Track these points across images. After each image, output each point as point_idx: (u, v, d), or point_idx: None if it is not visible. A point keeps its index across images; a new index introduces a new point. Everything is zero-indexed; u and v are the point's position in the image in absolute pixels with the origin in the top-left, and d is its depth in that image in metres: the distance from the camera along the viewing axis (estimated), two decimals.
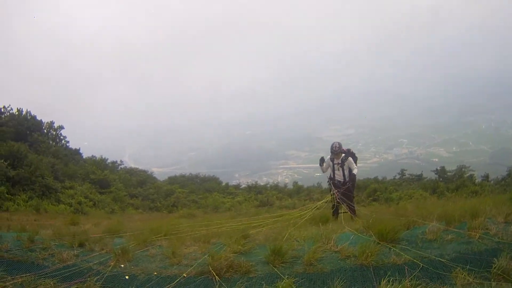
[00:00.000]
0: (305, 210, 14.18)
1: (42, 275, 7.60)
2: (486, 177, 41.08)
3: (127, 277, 7.57)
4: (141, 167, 78.15)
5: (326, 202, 14.62)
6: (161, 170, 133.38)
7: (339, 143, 14.54)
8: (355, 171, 14.56)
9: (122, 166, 57.90)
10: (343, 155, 14.56)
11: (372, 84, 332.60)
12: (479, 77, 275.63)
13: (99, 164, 48.50)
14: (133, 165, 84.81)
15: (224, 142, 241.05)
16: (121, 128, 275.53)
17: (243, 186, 59.26)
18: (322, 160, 15.10)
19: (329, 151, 14.71)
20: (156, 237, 10.27)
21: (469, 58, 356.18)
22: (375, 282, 6.44)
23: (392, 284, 6.09)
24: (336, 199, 14.04)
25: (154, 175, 62.29)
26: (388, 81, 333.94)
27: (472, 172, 44.12)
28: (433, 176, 46.94)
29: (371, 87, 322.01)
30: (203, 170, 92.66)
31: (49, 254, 9.23)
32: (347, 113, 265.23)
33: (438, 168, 47.89)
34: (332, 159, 14.68)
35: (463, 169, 45.12)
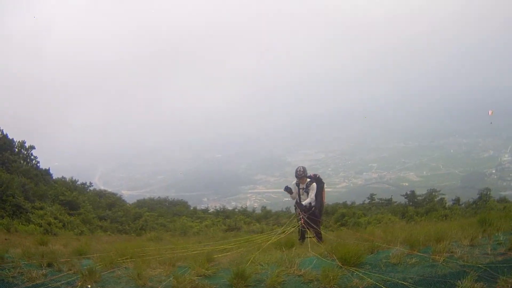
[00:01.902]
0: (271, 235, 14.26)
1: None
2: (456, 201, 41.67)
3: None
4: (110, 189, 77.96)
5: (293, 227, 14.73)
6: (130, 193, 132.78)
7: (303, 167, 14.64)
8: (307, 201, 14.48)
9: (91, 188, 57.68)
10: (308, 180, 14.64)
11: (343, 105, 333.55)
12: (452, 99, 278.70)
13: (69, 185, 48.21)
14: (102, 187, 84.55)
15: (194, 165, 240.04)
16: (91, 148, 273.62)
17: (211, 210, 59.53)
18: (288, 189, 15.12)
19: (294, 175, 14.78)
20: (122, 259, 10.27)
21: (442, 80, 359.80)
22: None
23: None
24: (302, 224, 14.06)
25: (123, 198, 62.06)
26: (358, 103, 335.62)
27: (442, 196, 44.64)
28: (403, 200, 47.40)
29: (342, 109, 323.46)
30: (172, 194, 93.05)
31: (18, 272, 9.26)
32: (317, 136, 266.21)
33: (408, 192, 48.40)
34: (297, 184, 14.77)
35: (433, 193, 45.56)
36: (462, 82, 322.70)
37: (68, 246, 15.70)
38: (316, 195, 14.58)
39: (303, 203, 14.46)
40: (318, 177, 15.13)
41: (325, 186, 15.37)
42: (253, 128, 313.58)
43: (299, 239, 14.10)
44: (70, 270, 9.43)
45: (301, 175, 14.46)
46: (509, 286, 6.62)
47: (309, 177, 14.75)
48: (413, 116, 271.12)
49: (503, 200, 42.00)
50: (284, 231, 14.43)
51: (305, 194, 14.62)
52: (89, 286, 8.21)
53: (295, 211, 15.07)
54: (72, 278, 8.74)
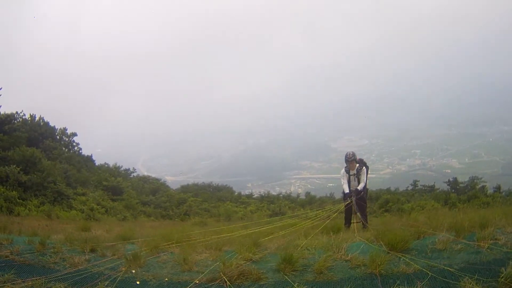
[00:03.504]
0: (317, 218, 14.29)
1: (52, 278, 7.70)
2: (498, 188, 40.83)
3: (138, 282, 7.64)
4: (154, 175, 78.26)
5: (345, 206, 14.67)
6: (174, 179, 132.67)
7: (352, 152, 14.78)
8: (361, 186, 14.67)
9: (135, 174, 58.19)
10: (358, 165, 14.76)
11: (386, 90, 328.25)
12: (493, 85, 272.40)
13: (112, 171, 48.61)
14: (146, 173, 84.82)
15: (238, 150, 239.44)
16: (135, 136, 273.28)
17: (256, 195, 59.56)
18: (347, 195, 14.86)
19: (344, 160, 14.87)
20: (167, 244, 10.30)
21: (484, 65, 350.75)
22: None
23: None
24: (353, 204, 14.13)
25: (167, 184, 62.26)
26: (402, 88, 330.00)
27: (484, 183, 43.89)
28: (445, 187, 46.74)
29: (385, 93, 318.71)
30: (216, 179, 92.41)
31: (60, 258, 9.33)
32: (361, 122, 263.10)
33: (451, 179, 47.69)
34: (347, 171, 14.84)
35: (475, 180, 44.86)
36: (505, 67, 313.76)
37: (111, 232, 15.79)
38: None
39: (359, 187, 14.60)
40: (364, 162, 15.28)
41: (368, 171, 15.41)
42: (297, 113, 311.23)
43: (344, 225, 14.08)
44: (114, 255, 9.52)
45: (351, 158, 14.60)
46: None
47: (357, 162, 14.87)
48: (456, 104, 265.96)
49: None
50: (329, 214, 14.42)
51: (356, 180, 14.72)
52: (134, 271, 8.28)
53: (344, 198, 15.03)
54: (116, 263, 8.83)
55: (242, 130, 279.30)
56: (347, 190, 14.79)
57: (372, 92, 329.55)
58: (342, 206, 14.89)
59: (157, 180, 60.92)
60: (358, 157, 15.17)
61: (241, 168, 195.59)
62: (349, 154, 14.70)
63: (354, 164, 14.73)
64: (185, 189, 60.62)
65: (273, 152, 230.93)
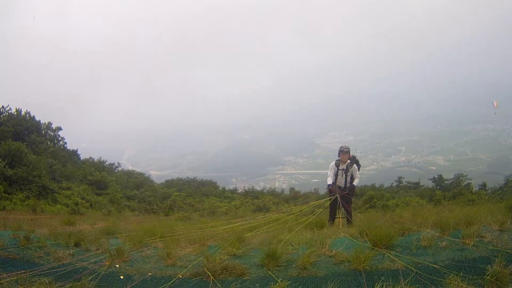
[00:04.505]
0: (304, 207, 14.35)
1: (37, 273, 7.64)
2: (483, 186, 41.03)
3: (121, 277, 7.60)
4: (138, 169, 78.39)
5: (330, 201, 14.62)
6: (159, 174, 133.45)
7: (347, 146, 14.75)
8: (356, 182, 14.74)
9: (119, 168, 58.07)
10: (349, 161, 14.71)
11: (372, 88, 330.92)
12: (479, 84, 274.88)
13: (97, 165, 48.61)
14: (130, 168, 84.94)
15: (222, 146, 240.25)
16: (120, 131, 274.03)
17: (240, 190, 60.00)
18: (331, 186, 14.83)
19: (337, 153, 14.82)
20: (151, 239, 10.31)
21: (471, 65, 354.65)
22: (367, 287, 6.53)
23: None
24: (338, 199, 14.13)
25: (151, 178, 62.70)
26: (388, 86, 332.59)
27: (469, 181, 44.12)
28: (430, 184, 46.99)
29: (372, 91, 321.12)
30: (201, 174, 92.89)
31: (44, 252, 9.30)
32: (347, 119, 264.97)
33: (436, 176, 47.92)
34: (337, 164, 14.76)
35: (460, 178, 45.11)
36: (491, 67, 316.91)
37: (96, 226, 15.81)
38: (351, 178, 14.74)
39: (354, 183, 14.66)
40: (357, 159, 15.48)
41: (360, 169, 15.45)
42: (282, 110, 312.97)
43: (329, 220, 14.12)
44: (98, 249, 9.51)
45: (346, 149, 14.58)
46: None
47: (349, 158, 14.87)
48: (442, 102, 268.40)
49: None
50: (313, 210, 14.46)
51: (343, 175, 14.63)
52: (117, 265, 8.25)
53: (329, 191, 14.98)
54: (100, 258, 8.81)
55: (228, 127, 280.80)
56: (330, 182, 14.75)
57: (360, 90, 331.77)
58: (326, 201, 14.89)
59: (141, 174, 61.34)
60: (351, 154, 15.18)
61: (226, 163, 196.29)
62: (345, 146, 14.69)
63: (346, 158, 14.67)
64: (170, 183, 61.01)
65: (258, 148, 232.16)
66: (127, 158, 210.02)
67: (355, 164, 14.79)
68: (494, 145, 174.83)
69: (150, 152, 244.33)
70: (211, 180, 69.08)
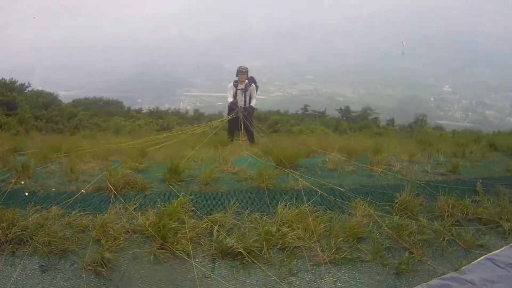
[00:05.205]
0: (204, 127, 14.29)
1: None
2: (391, 122, 42.40)
3: (26, 193, 7.34)
4: (48, 89, 76.73)
5: (228, 119, 14.68)
6: (67, 93, 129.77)
7: (246, 67, 14.61)
8: (253, 102, 14.84)
9: (30, 88, 56.97)
10: (247, 81, 14.67)
11: (290, 16, 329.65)
12: (401, 22, 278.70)
13: (8, 86, 47.42)
14: (40, 88, 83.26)
15: (132, 66, 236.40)
16: (32, 48, 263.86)
17: (145, 111, 59.93)
18: (232, 104, 14.72)
19: (235, 74, 14.71)
20: (56, 155, 9.96)
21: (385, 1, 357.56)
22: (270, 205, 6.59)
23: (289, 208, 6.24)
24: (239, 118, 14.13)
25: (59, 98, 61.64)
26: (306, 16, 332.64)
27: (377, 115, 45.45)
28: (337, 114, 48.18)
29: (290, 21, 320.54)
30: (109, 94, 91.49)
31: None
32: (259, 45, 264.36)
33: (343, 107, 49.10)
34: (235, 85, 14.71)
35: (368, 111, 46.46)
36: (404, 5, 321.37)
37: (3, 146, 15.43)
38: (250, 99, 14.82)
39: (251, 104, 14.71)
40: (254, 79, 15.15)
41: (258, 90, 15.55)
42: (196, 34, 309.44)
43: (228, 137, 14.10)
44: (5, 167, 9.09)
45: (244, 69, 14.49)
46: (449, 206, 6.79)
47: (248, 78, 14.80)
48: (355, 37, 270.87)
49: (439, 128, 42.96)
50: (218, 125, 14.47)
51: (242, 95, 14.63)
52: (23, 182, 7.99)
53: (230, 111, 14.91)
54: (6, 175, 8.42)
55: (140, 47, 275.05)
56: (231, 99, 14.75)
57: (278, 20, 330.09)
58: (227, 117, 14.92)
59: (50, 94, 60.09)
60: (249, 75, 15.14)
61: (132, 83, 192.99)
62: (244, 66, 14.53)
63: (244, 78, 14.60)
64: (77, 103, 60.29)
65: (165, 68, 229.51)
66: (38, 77, 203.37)
67: (253, 84, 14.86)
68: (406, 83, 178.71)
69: (60, 71, 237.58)
70: (117, 99, 69.36)
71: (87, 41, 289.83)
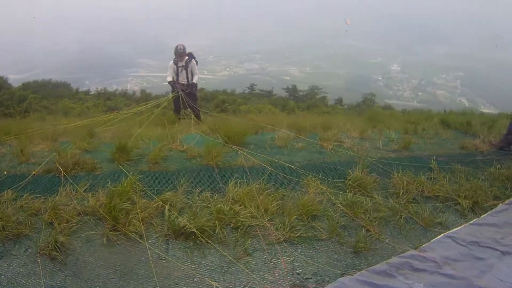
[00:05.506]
0: (149, 105, 14.25)
1: None
2: (339, 101, 42.79)
3: None
4: None
5: (171, 98, 14.76)
6: (17, 77, 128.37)
7: (183, 45, 14.74)
8: (195, 78, 14.82)
9: None
10: (187, 57, 14.68)
11: None
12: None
13: None
14: None
15: (80, 47, 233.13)
16: None
17: (93, 92, 59.72)
18: (172, 83, 14.78)
19: (174, 54, 14.73)
20: (6, 138, 9.73)
21: None
22: (220, 183, 6.57)
23: (240, 186, 6.25)
24: (180, 98, 14.09)
25: (9, 82, 61.45)
26: None
27: (325, 95, 45.80)
28: (284, 94, 48.31)
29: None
30: (58, 76, 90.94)
31: None
32: (204, 23, 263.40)
33: (289, 86, 49.25)
34: (176, 63, 14.68)
35: (315, 90, 46.79)
36: None
37: None
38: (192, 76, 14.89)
39: (194, 80, 14.64)
40: (194, 55, 15.12)
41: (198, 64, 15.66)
42: (140, 11, 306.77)
43: (174, 113, 14.40)
44: None
45: (182, 50, 14.59)
46: (404, 183, 6.86)
47: (187, 55, 14.84)
48: (302, 10, 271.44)
49: (388, 107, 43.49)
50: (161, 104, 14.42)
51: (184, 71, 14.66)
52: None
53: (172, 89, 14.95)
54: None
55: (87, 27, 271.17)
56: (169, 79, 14.93)
57: None
58: (171, 96, 14.88)
59: (0, 78, 59.98)
60: (187, 51, 15.10)
61: (82, 65, 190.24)
62: (180, 48, 14.58)
63: (184, 57, 14.62)
64: (26, 86, 59.63)
65: (113, 49, 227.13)
66: None
67: (193, 60, 14.84)
68: (353, 62, 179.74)
69: (10, 54, 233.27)
70: (65, 81, 68.87)
71: (32, 21, 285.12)
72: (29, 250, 5.01)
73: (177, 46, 14.62)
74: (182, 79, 14.58)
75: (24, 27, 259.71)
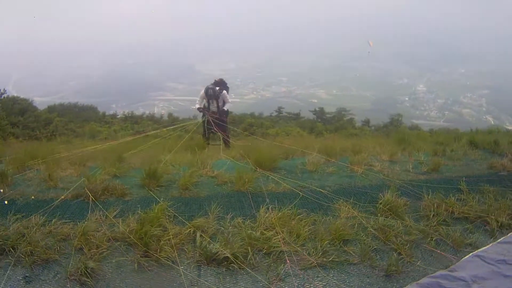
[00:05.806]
0: (179, 128, 14.32)
1: None
2: (366, 122, 42.50)
3: (6, 202, 7.25)
4: (23, 95, 76.73)
5: (201, 122, 14.77)
6: (42, 99, 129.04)
7: (212, 89, 14.41)
8: (227, 106, 14.78)
9: (5, 95, 56.93)
10: (218, 88, 14.54)
11: (259, 15, 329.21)
12: (372, 22, 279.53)
13: None
14: (15, 94, 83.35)
15: (106, 70, 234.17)
16: (7, 55, 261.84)
17: (120, 116, 59.55)
18: (201, 110, 14.86)
19: (205, 90, 14.51)
20: (33, 162, 9.83)
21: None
22: (253, 208, 6.57)
23: (272, 212, 6.23)
24: (210, 126, 14.04)
25: (35, 104, 61.62)
26: (275, 15, 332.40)
27: (352, 116, 45.66)
28: (311, 116, 48.18)
29: (258, 20, 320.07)
30: (83, 99, 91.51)
31: None
32: (231, 46, 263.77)
33: (317, 108, 49.16)
34: (206, 92, 14.53)
35: (342, 112, 46.72)
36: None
37: None
38: (223, 103, 14.80)
39: (225, 108, 14.64)
40: (224, 81, 15.24)
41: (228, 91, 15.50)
42: (167, 36, 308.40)
43: (203, 138, 14.27)
44: None
45: (212, 96, 14.41)
46: (434, 205, 6.81)
47: (217, 84, 14.81)
48: (328, 34, 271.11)
49: (415, 127, 42.90)
50: (192, 125, 14.45)
51: (214, 101, 14.59)
52: (1, 190, 7.87)
53: (202, 117, 14.93)
54: None
55: (112, 50, 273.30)
56: (199, 105, 14.85)
57: (245, 19, 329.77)
58: (201, 121, 14.96)
59: (25, 100, 60.12)
60: (218, 77, 15.32)
61: (107, 88, 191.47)
62: (210, 92, 14.36)
63: (217, 97, 14.49)
64: (52, 109, 59.73)
65: (139, 73, 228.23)
66: (13, 83, 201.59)
67: (225, 91, 14.81)
68: (379, 84, 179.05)
69: (35, 77, 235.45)
70: (92, 105, 68.84)
71: (60, 45, 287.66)
72: (58, 275, 5.04)
73: (207, 91, 14.50)
74: (213, 107, 14.55)
75: (49, 50, 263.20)
